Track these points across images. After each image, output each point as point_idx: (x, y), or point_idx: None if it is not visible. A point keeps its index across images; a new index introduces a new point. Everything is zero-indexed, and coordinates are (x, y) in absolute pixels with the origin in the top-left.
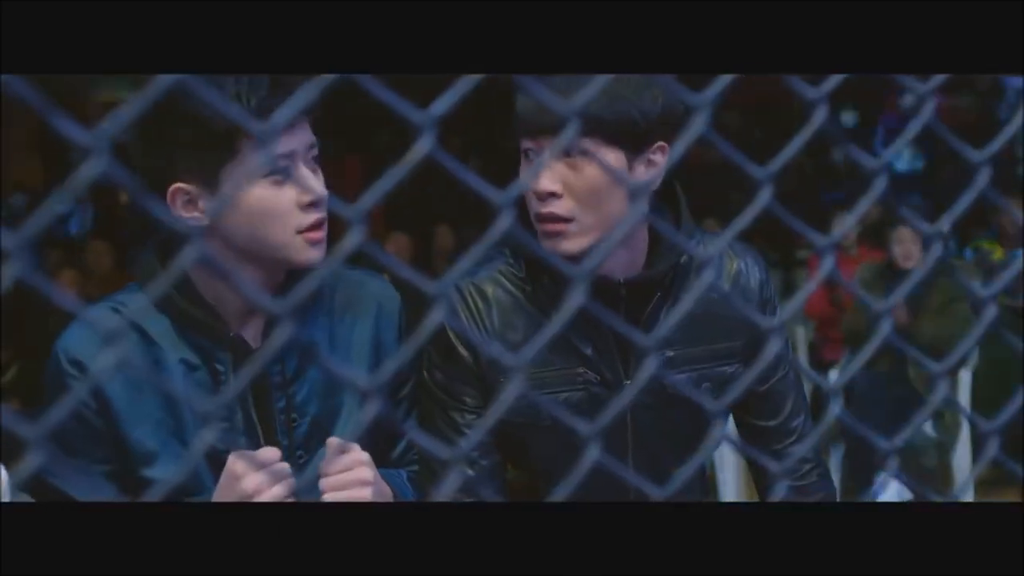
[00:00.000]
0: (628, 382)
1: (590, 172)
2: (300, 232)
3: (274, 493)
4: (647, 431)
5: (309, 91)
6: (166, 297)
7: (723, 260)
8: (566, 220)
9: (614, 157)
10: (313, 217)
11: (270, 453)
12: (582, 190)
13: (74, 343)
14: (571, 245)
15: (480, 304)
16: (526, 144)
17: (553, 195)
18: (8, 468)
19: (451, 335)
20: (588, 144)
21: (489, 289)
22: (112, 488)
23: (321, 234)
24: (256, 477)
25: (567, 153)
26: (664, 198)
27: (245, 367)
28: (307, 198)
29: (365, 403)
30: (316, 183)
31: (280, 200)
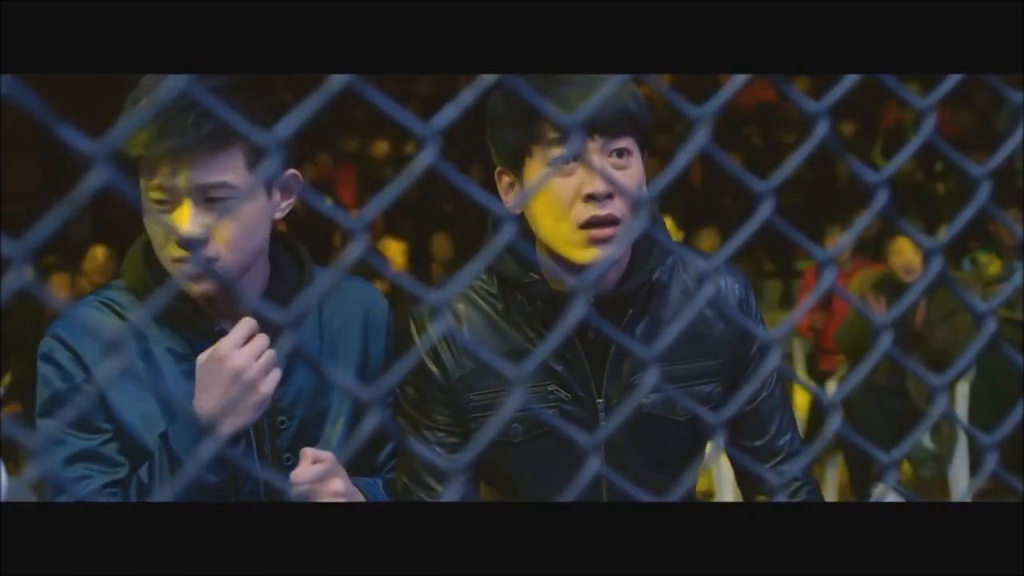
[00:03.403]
0: (600, 400)
1: (634, 171)
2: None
3: (260, 366)
4: (620, 446)
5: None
6: (149, 291)
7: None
8: (619, 222)
9: (640, 157)
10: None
11: (247, 325)
12: (631, 191)
13: (67, 333)
14: (617, 249)
15: (451, 321)
16: (562, 149)
17: (610, 196)
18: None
19: (421, 352)
20: (628, 143)
21: (461, 306)
22: (115, 457)
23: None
24: (243, 353)
25: (612, 153)
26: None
27: None
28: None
29: (365, 413)
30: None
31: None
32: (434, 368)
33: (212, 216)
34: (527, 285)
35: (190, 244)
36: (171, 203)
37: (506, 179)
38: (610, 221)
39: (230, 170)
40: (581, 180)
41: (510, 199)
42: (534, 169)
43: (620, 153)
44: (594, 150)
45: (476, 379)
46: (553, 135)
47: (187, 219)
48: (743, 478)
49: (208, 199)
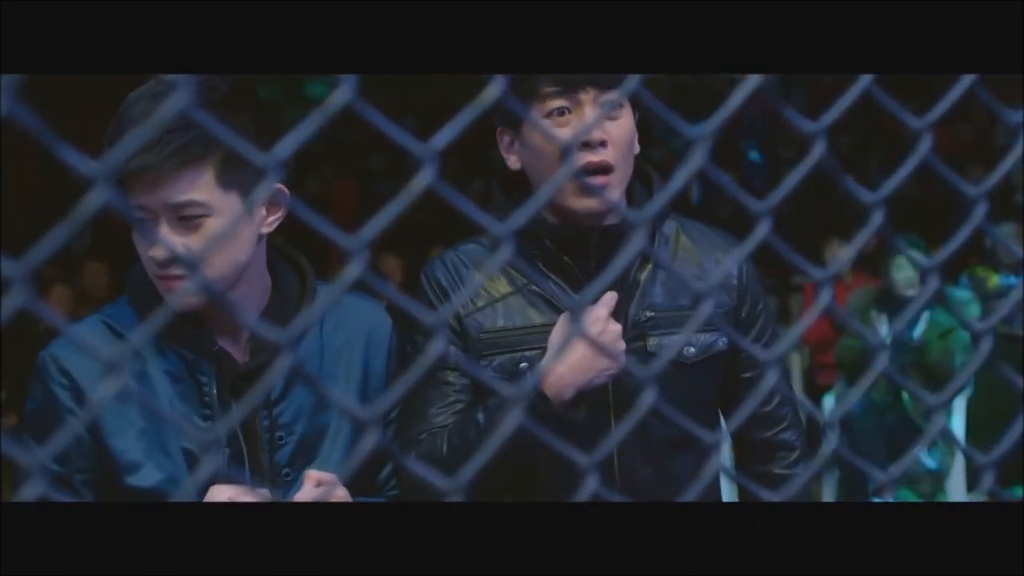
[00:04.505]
0: None
1: (626, 122)
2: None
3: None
4: (628, 395)
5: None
6: (152, 309)
7: (702, 250)
8: (611, 169)
9: (631, 110)
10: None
11: (251, 495)
12: (622, 139)
13: (63, 353)
14: (612, 194)
15: (462, 270)
16: (558, 103)
17: (603, 144)
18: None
19: (432, 300)
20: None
21: (473, 256)
22: (93, 497)
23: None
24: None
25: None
26: (637, 177)
27: (240, 392)
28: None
29: (361, 433)
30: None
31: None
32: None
33: (188, 233)
34: (530, 225)
35: (169, 263)
36: (148, 220)
37: (507, 137)
38: (604, 168)
39: (199, 188)
40: (576, 129)
41: (511, 156)
42: (532, 125)
43: (612, 105)
44: (587, 102)
45: (485, 317)
46: (547, 89)
47: (163, 237)
48: (743, 450)
49: (181, 217)
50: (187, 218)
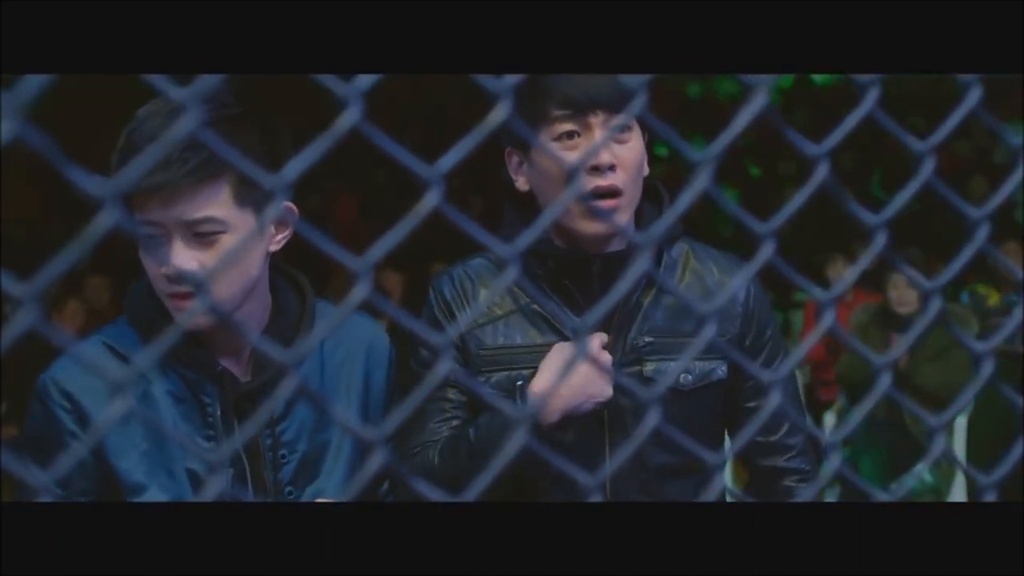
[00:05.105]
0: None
1: (635, 145)
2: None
3: None
4: (625, 420)
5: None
6: (153, 329)
7: (709, 274)
8: (621, 193)
9: (640, 132)
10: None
11: None
12: (631, 163)
13: (65, 375)
14: (621, 218)
15: (467, 285)
16: (567, 127)
17: (612, 168)
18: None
19: (436, 314)
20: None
21: (480, 272)
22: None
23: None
24: None
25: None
26: (647, 196)
27: (243, 412)
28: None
29: (368, 453)
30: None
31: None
32: (447, 326)
33: (203, 249)
34: (536, 246)
35: (181, 279)
36: (160, 237)
37: (515, 158)
38: (613, 192)
39: (216, 204)
40: (585, 152)
41: (520, 178)
42: (540, 148)
43: (621, 128)
44: (596, 125)
45: (485, 334)
46: (556, 112)
47: (176, 254)
48: (750, 476)
49: (196, 234)
50: (203, 234)
